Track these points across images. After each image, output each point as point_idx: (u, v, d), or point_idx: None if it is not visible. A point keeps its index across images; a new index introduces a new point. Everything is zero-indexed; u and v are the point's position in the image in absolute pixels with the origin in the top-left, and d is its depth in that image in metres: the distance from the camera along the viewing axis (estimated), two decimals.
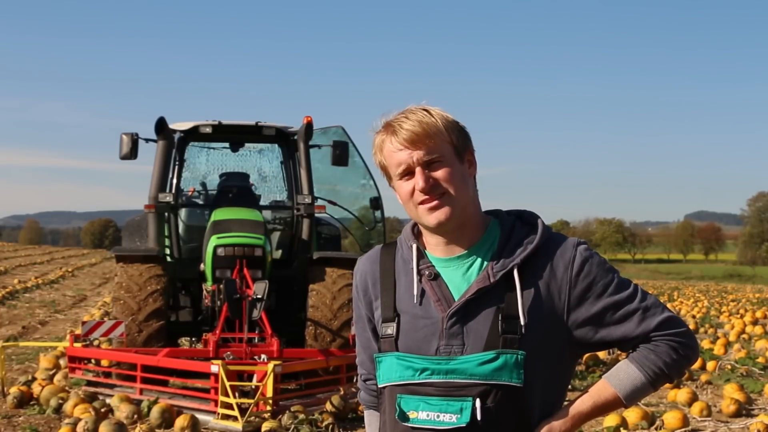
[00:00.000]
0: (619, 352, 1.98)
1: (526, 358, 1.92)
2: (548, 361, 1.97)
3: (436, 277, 2.01)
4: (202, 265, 9.13)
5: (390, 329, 2.02)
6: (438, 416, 1.93)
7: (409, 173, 1.97)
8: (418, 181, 1.95)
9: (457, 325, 1.96)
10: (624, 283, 2.00)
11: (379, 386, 2.07)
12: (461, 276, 2.00)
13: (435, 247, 2.04)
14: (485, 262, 2.00)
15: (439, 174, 1.95)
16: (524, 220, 2.07)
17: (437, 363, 1.94)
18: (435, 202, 1.96)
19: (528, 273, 1.97)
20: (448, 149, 1.97)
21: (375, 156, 2.04)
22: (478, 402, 1.91)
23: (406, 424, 1.97)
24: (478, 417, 1.91)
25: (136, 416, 7.51)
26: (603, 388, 2.01)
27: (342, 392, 8.08)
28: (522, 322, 1.93)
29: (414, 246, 2.05)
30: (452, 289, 1.99)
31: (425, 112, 1.97)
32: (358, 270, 2.17)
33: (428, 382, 1.95)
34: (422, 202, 1.97)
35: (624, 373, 2.00)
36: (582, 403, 2.00)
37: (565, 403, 2.04)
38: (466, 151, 2.02)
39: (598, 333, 1.99)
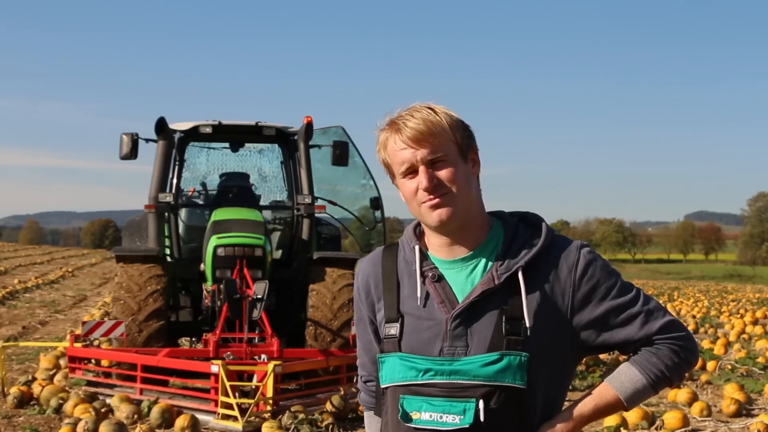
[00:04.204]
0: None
1: (529, 360, 1.92)
2: (551, 363, 1.97)
3: (440, 279, 2.01)
4: (202, 265, 9.12)
5: (393, 329, 2.01)
6: (441, 417, 1.93)
7: (412, 172, 1.97)
8: (422, 180, 1.95)
9: (461, 327, 1.95)
10: (627, 287, 2.01)
11: (382, 387, 2.06)
12: (465, 278, 2.00)
13: (438, 248, 2.03)
14: (489, 264, 1.99)
15: (443, 173, 1.95)
16: (528, 222, 2.07)
17: (441, 364, 1.94)
18: (437, 201, 1.95)
19: (532, 275, 1.97)
20: (453, 148, 1.97)
21: (378, 153, 2.03)
22: (481, 403, 1.91)
23: (408, 424, 1.96)
24: (482, 418, 1.90)
25: (136, 416, 7.51)
26: (604, 390, 2.02)
27: (342, 392, 8.08)
28: (527, 325, 1.93)
29: (416, 247, 2.05)
30: (456, 290, 1.99)
31: (430, 111, 1.96)
32: (359, 272, 2.16)
33: (431, 382, 1.95)
34: (425, 201, 1.96)
35: (625, 375, 2.01)
36: (584, 405, 2.00)
37: (568, 404, 2.04)
38: (470, 151, 2.01)
39: (601, 336, 2.00)
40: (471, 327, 1.95)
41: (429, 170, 1.95)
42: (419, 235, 2.09)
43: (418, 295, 2.00)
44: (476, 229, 2.02)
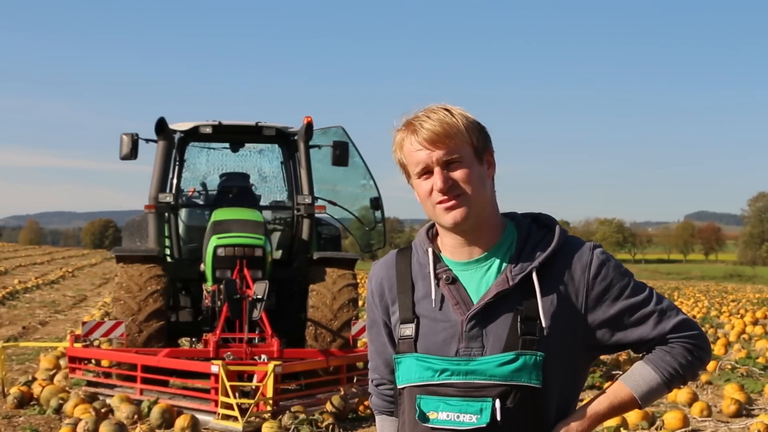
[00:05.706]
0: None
1: (544, 360, 1.94)
2: (565, 363, 1.98)
3: (454, 281, 2.02)
4: (202, 266, 9.12)
5: (409, 330, 2.02)
6: (458, 417, 1.95)
7: (427, 172, 1.98)
8: (437, 181, 1.96)
9: (476, 328, 1.97)
10: (640, 287, 2.03)
11: (398, 387, 2.07)
12: (479, 279, 2.01)
13: (452, 249, 2.04)
14: (503, 265, 2.01)
15: (458, 174, 1.96)
16: (540, 223, 2.08)
17: (457, 364, 1.96)
18: (452, 202, 1.96)
19: (545, 276, 1.99)
20: (468, 150, 1.98)
21: (395, 153, 2.05)
22: (497, 402, 1.93)
23: (426, 424, 1.98)
24: (498, 417, 1.92)
25: (136, 416, 7.51)
26: (619, 389, 2.03)
27: (342, 392, 8.08)
28: (542, 325, 1.94)
29: (430, 250, 2.06)
30: (470, 292, 2.00)
31: (446, 112, 1.98)
32: (373, 275, 2.17)
33: (448, 382, 1.96)
34: (440, 202, 1.98)
35: (639, 374, 2.03)
36: (598, 404, 2.02)
37: (582, 403, 2.05)
38: (485, 152, 2.02)
39: (615, 335, 2.01)
40: (486, 328, 1.97)
41: (444, 171, 1.96)
42: (432, 237, 2.10)
43: (433, 297, 2.01)
44: (490, 230, 2.03)
